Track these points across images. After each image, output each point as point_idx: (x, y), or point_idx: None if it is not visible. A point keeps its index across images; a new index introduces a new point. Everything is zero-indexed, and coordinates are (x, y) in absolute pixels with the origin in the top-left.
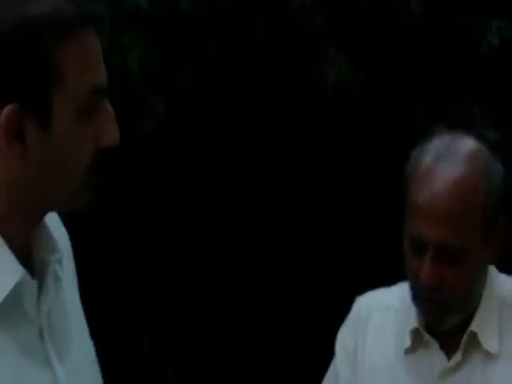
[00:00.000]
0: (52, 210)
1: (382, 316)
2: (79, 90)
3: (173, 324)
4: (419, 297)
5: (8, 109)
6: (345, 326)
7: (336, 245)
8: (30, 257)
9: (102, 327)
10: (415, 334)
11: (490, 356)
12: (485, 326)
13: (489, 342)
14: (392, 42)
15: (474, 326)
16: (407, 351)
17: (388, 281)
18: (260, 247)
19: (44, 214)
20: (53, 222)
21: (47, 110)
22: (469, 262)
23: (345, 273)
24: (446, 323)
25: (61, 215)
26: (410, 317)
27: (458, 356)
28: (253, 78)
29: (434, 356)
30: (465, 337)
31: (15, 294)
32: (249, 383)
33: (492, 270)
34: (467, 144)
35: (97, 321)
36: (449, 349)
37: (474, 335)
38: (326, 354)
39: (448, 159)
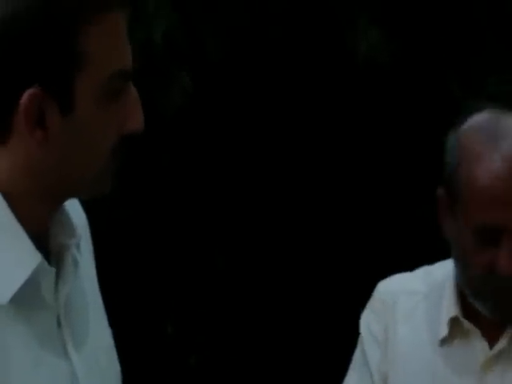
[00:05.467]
0: (73, 196)
1: (409, 302)
2: (103, 74)
3: (198, 308)
4: (498, 291)
5: (29, 92)
6: (369, 310)
7: (358, 220)
8: (48, 241)
9: (122, 312)
10: (454, 324)
11: None
12: None
13: None
14: (426, 5)
15: None
16: (444, 341)
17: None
18: (290, 224)
19: (63, 200)
20: (71, 203)
21: (70, 95)
22: None
23: (363, 256)
24: None
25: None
26: (442, 305)
27: (502, 342)
28: (281, 50)
29: (475, 345)
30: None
31: (32, 281)
32: (274, 368)
33: None
34: None
35: (117, 305)
36: (491, 337)
37: None
38: (352, 331)
39: (500, 138)
